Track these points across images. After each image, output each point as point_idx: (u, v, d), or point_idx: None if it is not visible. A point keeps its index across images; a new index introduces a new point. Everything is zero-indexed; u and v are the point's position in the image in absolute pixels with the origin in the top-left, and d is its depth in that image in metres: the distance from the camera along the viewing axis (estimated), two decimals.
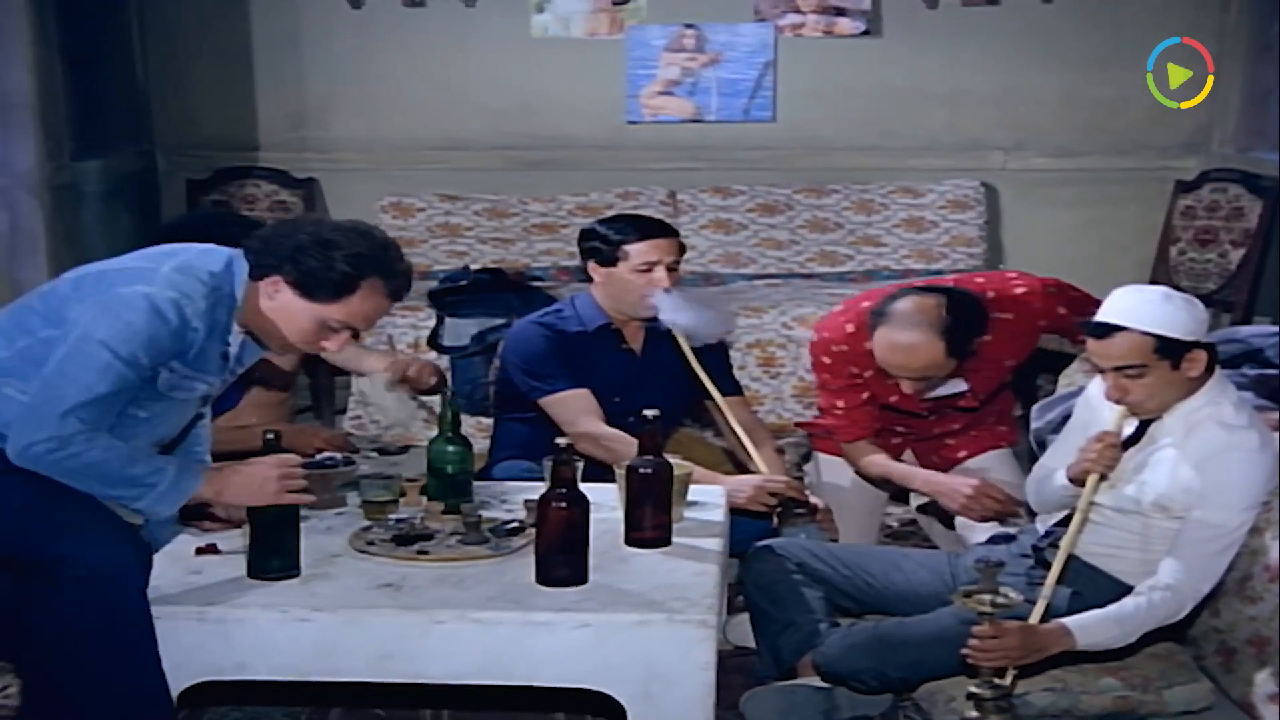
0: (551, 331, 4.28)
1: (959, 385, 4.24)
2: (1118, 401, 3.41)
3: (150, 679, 3.03)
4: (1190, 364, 3.35)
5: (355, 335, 3.38)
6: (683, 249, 4.33)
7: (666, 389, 4.24)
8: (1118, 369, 3.36)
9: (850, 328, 4.25)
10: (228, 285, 3.22)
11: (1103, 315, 3.39)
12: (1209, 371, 3.42)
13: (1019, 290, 4.24)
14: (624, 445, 3.92)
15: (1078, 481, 3.45)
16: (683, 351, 4.22)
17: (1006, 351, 4.21)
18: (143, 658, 3.03)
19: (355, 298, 3.21)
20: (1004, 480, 4.20)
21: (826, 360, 4.32)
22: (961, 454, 4.41)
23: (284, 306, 3.22)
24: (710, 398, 4.24)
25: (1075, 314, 4.08)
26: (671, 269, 4.21)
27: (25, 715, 3.18)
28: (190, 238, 4.14)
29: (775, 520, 3.94)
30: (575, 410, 4.16)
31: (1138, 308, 3.37)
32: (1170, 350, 3.33)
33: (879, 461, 4.31)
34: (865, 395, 4.29)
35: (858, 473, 4.39)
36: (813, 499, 4.02)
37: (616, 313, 4.29)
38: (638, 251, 4.18)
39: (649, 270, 4.18)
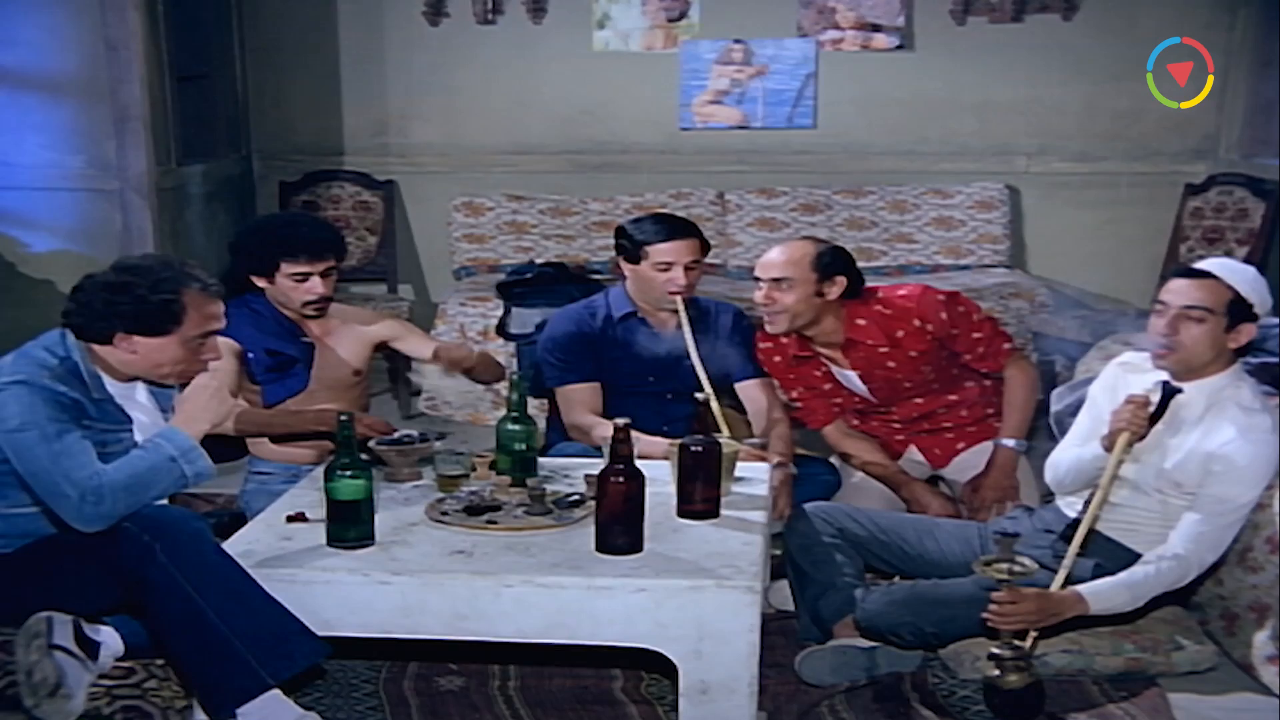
0: (579, 324, 4.32)
1: (852, 375, 4.28)
2: (1165, 339, 3.40)
3: (276, 609, 3.04)
4: (1238, 335, 3.37)
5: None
6: (706, 248, 4.30)
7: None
8: (1186, 308, 3.36)
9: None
10: (62, 350, 3.22)
11: (1200, 265, 3.48)
12: (1235, 357, 3.42)
13: (901, 293, 4.28)
14: (607, 433, 3.93)
15: (1110, 448, 3.42)
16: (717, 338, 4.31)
17: (881, 339, 4.19)
18: (256, 592, 3.04)
19: (190, 311, 3.25)
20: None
21: (761, 358, 4.42)
22: (960, 445, 4.40)
23: (147, 352, 3.25)
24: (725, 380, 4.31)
25: (957, 323, 4.19)
26: (691, 268, 4.21)
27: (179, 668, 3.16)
28: (265, 236, 4.20)
29: None
30: (573, 402, 4.25)
31: (1232, 268, 3.46)
32: (1236, 311, 3.37)
33: (852, 446, 4.41)
34: (803, 386, 4.39)
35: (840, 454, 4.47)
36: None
37: (643, 302, 4.30)
38: (657, 252, 4.19)
39: (667, 269, 4.18)
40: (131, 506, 3.05)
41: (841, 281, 4.12)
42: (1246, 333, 3.39)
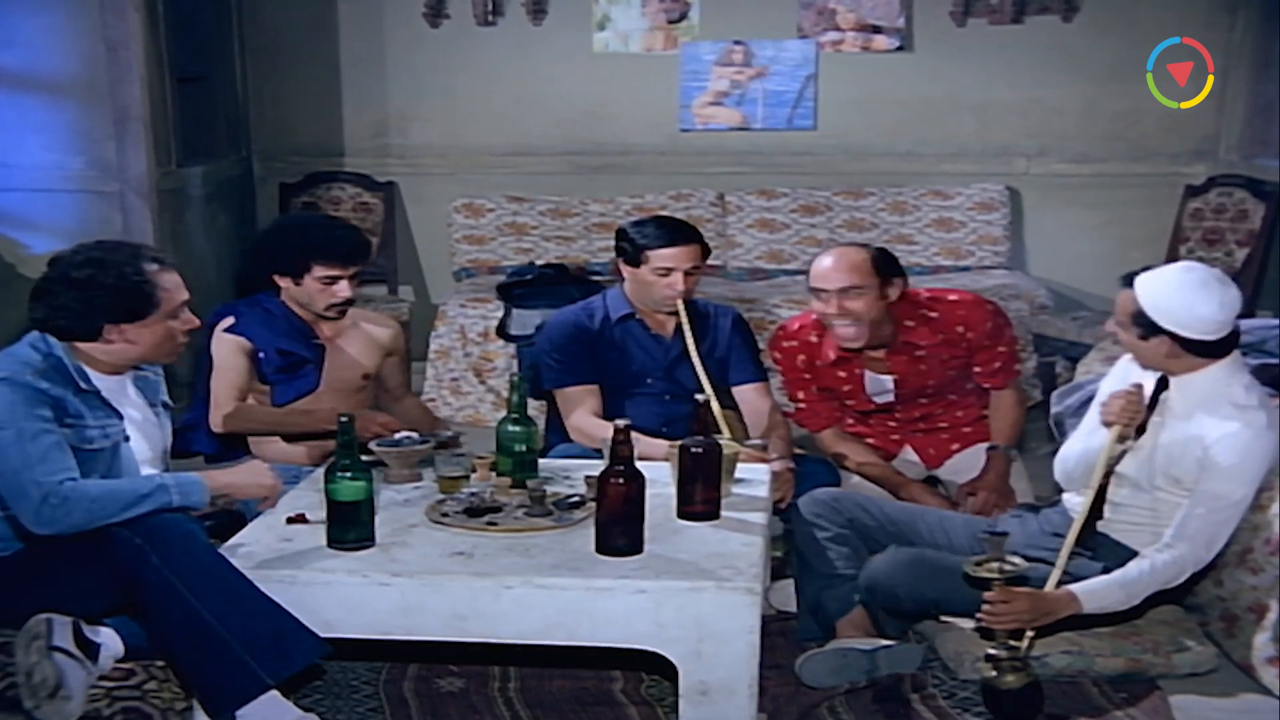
0: (576, 325, 4.32)
1: (886, 381, 4.28)
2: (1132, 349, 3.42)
3: (272, 609, 3.04)
4: (1160, 346, 3.39)
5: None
6: (706, 253, 4.29)
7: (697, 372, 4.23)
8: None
9: (796, 325, 4.38)
10: (44, 346, 3.23)
11: (1141, 298, 3.43)
12: (1226, 350, 3.41)
13: (951, 297, 4.30)
14: (607, 434, 3.91)
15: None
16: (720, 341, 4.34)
17: (931, 340, 4.21)
18: (252, 592, 3.05)
19: (161, 285, 3.29)
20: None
21: (778, 355, 4.42)
22: (954, 446, 4.41)
23: (141, 336, 3.29)
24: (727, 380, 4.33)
25: (993, 335, 4.23)
26: (690, 274, 4.20)
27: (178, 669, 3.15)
28: (299, 237, 4.21)
29: None
30: (573, 403, 4.24)
31: (1161, 298, 3.41)
32: (1143, 325, 3.39)
33: (847, 449, 4.39)
34: (815, 387, 4.38)
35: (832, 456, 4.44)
36: None
37: (642, 305, 4.29)
38: (657, 257, 4.18)
39: (666, 274, 4.18)
40: (98, 518, 3.06)
41: (899, 283, 4.14)
42: (1163, 344, 3.39)
